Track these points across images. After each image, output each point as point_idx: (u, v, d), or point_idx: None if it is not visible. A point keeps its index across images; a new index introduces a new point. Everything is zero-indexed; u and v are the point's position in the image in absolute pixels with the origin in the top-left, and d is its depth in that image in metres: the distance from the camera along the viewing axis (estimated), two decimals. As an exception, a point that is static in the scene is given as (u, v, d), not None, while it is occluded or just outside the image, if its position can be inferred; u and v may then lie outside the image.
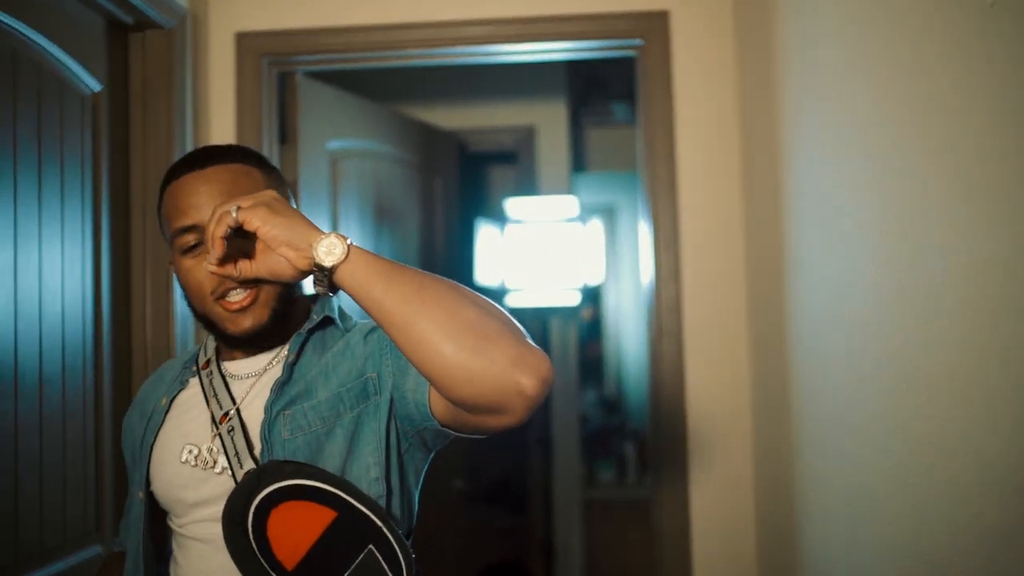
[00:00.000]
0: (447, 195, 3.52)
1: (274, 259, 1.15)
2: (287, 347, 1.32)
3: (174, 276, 1.41)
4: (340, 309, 1.40)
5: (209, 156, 1.30)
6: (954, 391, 1.13)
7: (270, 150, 2.54)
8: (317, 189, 2.73)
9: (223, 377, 1.33)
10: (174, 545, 1.35)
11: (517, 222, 3.82)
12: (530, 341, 1.10)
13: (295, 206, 1.21)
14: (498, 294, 3.69)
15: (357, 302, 1.12)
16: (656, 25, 2.47)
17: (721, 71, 2.46)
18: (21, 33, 1.83)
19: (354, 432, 1.24)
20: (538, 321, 3.84)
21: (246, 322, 1.26)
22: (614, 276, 4.69)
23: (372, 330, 1.30)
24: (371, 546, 1.18)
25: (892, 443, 1.34)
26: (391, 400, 1.25)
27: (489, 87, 3.94)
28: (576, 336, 3.97)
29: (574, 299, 3.76)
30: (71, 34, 2.01)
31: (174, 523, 1.33)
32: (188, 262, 1.27)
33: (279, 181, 1.36)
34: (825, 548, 1.73)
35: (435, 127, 3.51)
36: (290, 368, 1.29)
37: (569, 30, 2.50)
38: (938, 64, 1.15)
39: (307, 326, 1.33)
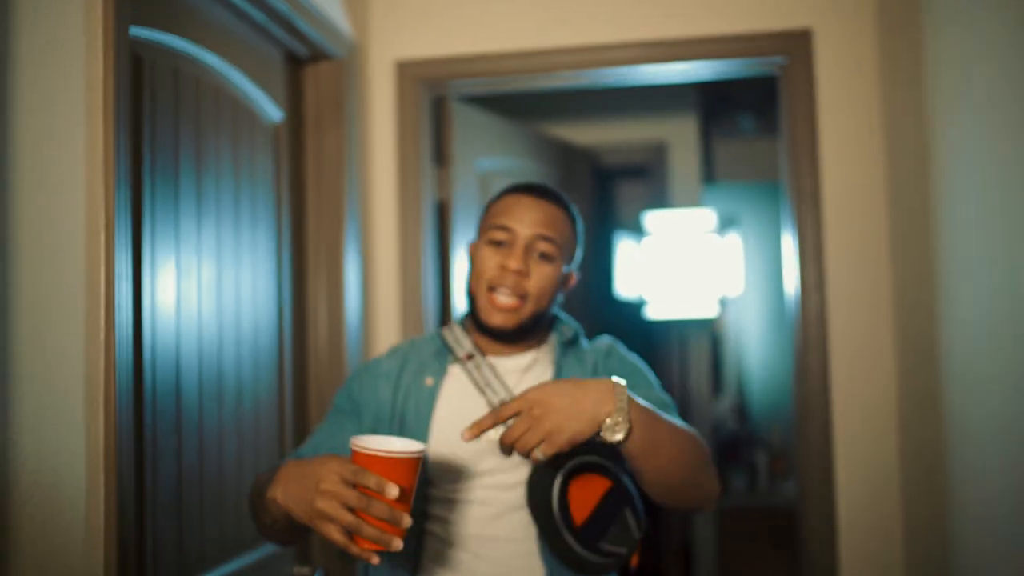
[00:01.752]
0: (583, 209, 3.63)
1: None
2: (543, 350, 1.66)
3: (468, 257, 1.69)
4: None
5: (546, 192, 1.64)
6: None
7: (426, 171, 2.70)
8: (468, 206, 2.88)
9: (493, 370, 1.59)
10: (435, 506, 1.54)
11: (654, 235, 3.90)
12: (710, 463, 1.47)
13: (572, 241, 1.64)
14: (637, 306, 3.78)
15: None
16: (799, 43, 2.54)
17: (864, 87, 2.50)
18: (220, 72, 2.03)
19: None
20: (676, 332, 3.91)
21: (497, 319, 1.57)
22: (748, 289, 4.73)
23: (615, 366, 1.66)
24: (627, 508, 1.49)
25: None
26: None
27: (622, 104, 4.05)
28: (709, 346, 4.03)
29: (712, 311, 3.82)
30: (259, 69, 2.21)
31: (444, 487, 1.54)
32: (487, 251, 1.59)
33: (575, 234, 1.67)
34: (977, 559, 1.77)
35: (571, 144, 3.64)
36: (559, 371, 1.61)
37: (713, 50, 2.59)
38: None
39: (561, 338, 1.67)
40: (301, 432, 2.35)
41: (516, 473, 1.52)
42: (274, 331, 2.24)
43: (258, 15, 2.11)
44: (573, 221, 1.66)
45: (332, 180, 2.45)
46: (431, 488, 1.56)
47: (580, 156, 3.68)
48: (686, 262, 3.79)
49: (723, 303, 4.63)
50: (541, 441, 1.27)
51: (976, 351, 1.79)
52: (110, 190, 1.44)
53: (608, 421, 1.29)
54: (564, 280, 1.66)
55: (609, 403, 1.30)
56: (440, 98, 2.83)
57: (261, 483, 1.41)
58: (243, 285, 2.09)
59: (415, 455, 1.22)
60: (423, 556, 1.55)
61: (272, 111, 2.28)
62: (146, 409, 1.69)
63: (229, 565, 1.97)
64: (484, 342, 1.65)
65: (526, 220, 1.58)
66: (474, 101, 3.01)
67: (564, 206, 1.65)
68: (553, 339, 1.67)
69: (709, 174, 4.52)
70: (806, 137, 2.53)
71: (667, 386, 4.09)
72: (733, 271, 3.94)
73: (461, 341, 1.64)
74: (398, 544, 1.17)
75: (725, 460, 4.30)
